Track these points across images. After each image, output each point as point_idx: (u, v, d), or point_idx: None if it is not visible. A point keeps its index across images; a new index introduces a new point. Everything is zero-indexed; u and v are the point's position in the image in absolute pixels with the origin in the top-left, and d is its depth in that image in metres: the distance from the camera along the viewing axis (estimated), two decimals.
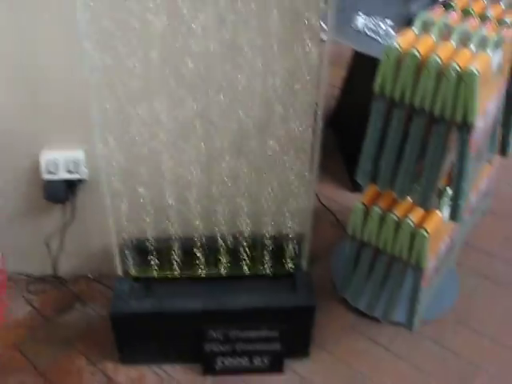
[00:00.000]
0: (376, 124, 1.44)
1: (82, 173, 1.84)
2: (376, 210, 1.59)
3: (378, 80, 1.39)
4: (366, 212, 1.63)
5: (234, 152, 1.72)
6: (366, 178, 1.53)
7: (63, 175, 1.83)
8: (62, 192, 1.84)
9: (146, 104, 1.61)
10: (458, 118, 1.34)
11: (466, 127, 1.35)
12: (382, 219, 1.59)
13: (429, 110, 1.37)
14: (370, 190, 1.67)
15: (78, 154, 1.82)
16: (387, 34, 2.16)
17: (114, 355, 1.88)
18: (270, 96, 1.61)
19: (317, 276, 2.14)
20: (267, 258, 1.84)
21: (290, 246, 1.84)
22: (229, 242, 1.83)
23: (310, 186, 1.69)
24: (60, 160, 1.82)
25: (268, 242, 1.83)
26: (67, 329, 1.99)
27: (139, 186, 1.73)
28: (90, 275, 2.18)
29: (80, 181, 1.87)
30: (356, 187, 2.58)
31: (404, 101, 1.39)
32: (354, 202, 2.53)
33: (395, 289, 1.70)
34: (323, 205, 2.47)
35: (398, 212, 1.58)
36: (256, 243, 1.84)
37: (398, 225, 1.57)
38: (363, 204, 1.62)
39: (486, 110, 1.40)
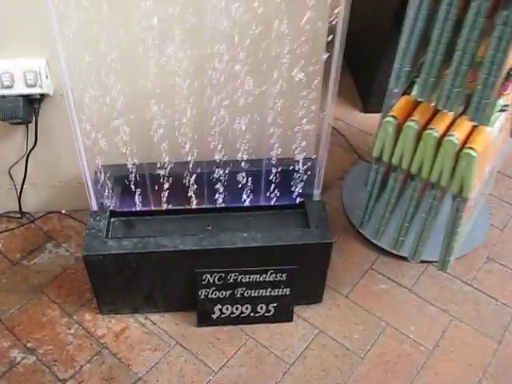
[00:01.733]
0: (420, 10, 1.10)
1: (45, 86, 1.50)
2: (412, 126, 1.27)
3: None
4: (398, 128, 1.31)
5: (230, 60, 1.38)
6: (403, 81, 1.21)
7: (21, 89, 1.49)
8: (21, 109, 1.50)
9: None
10: None
11: None
12: (419, 136, 1.28)
13: None
14: (401, 102, 1.34)
15: (39, 64, 1.47)
16: None
17: (92, 304, 1.60)
18: None
19: (327, 207, 1.85)
20: (272, 186, 1.53)
21: (300, 172, 1.53)
22: (227, 169, 1.51)
23: (328, 92, 1.36)
24: (16, 70, 1.47)
25: (273, 168, 1.52)
26: (37, 273, 1.70)
27: (114, 100, 1.40)
28: (63, 210, 1.87)
29: (43, 95, 1.53)
30: (368, 107, 2.26)
31: None
32: (366, 123, 2.25)
33: (429, 222, 1.40)
34: (332, 127, 2.14)
35: (438, 128, 1.26)
36: (259, 170, 1.53)
37: (440, 143, 1.26)
38: (394, 117, 1.30)
39: None
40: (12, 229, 1.82)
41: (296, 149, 1.53)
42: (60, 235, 1.81)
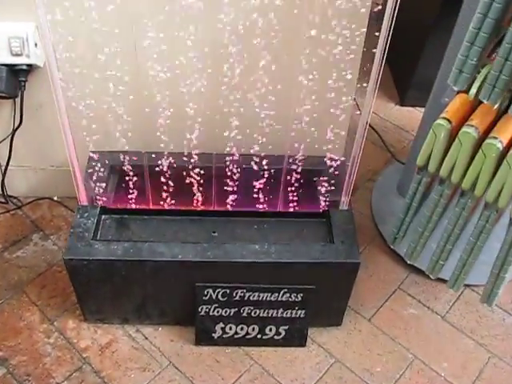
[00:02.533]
0: None
1: (34, 56, 1.28)
2: (470, 133, 1.03)
3: None
4: (452, 135, 1.07)
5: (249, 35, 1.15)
6: (466, 77, 0.96)
7: (5, 58, 1.27)
8: (4, 81, 1.28)
9: None
10: None
11: None
12: (477, 146, 1.04)
13: None
14: (456, 101, 1.10)
15: (26, 29, 1.25)
16: None
17: (77, 310, 1.39)
18: None
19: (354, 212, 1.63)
20: (293, 189, 1.30)
21: (326, 174, 1.30)
22: (239, 166, 1.28)
23: (368, 87, 1.13)
24: None
25: (295, 167, 1.29)
26: (19, 269, 1.49)
27: (110, 76, 1.17)
28: (55, 197, 1.66)
29: (30, 66, 1.31)
30: (405, 99, 2.02)
31: None
32: (403, 117, 2.01)
33: (477, 248, 1.17)
34: None
35: (502, 137, 1.02)
36: (278, 169, 1.30)
37: (503, 157, 1.02)
38: (448, 121, 1.06)
39: None
40: None
41: (323, 146, 1.30)
42: (49, 225, 1.60)
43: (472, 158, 1.07)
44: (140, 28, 1.13)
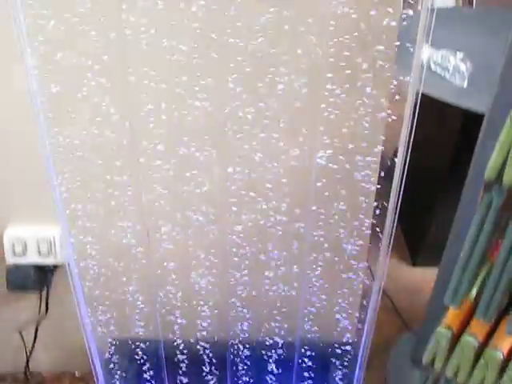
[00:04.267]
0: (489, 221, 0.93)
1: (60, 256, 1.37)
2: (469, 341, 1.07)
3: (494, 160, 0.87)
4: (454, 340, 1.11)
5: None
6: (460, 299, 1.02)
7: (33, 259, 1.37)
8: (31, 280, 1.38)
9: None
10: None
11: None
12: (479, 355, 1.08)
13: None
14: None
15: (53, 232, 1.35)
16: (456, 69, 1.65)
17: None
18: None
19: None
20: (305, 378, 1.34)
21: (338, 362, 1.34)
22: (250, 352, 1.33)
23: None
24: (29, 238, 1.35)
25: (306, 353, 1.33)
26: None
27: (126, 281, 1.26)
28: (76, 373, 1.70)
29: (56, 266, 1.40)
30: (416, 261, 2.07)
31: None
32: (415, 278, 2.04)
33: None
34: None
35: (502, 347, 1.06)
36: (289, 353, 1.34)
37: (505, 367, 1.05)
38: (449, 329, 1.11)
39: None
40: None
41: (334, 327, 1.35)
42: None
43: (476, 361, 1.10)
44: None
